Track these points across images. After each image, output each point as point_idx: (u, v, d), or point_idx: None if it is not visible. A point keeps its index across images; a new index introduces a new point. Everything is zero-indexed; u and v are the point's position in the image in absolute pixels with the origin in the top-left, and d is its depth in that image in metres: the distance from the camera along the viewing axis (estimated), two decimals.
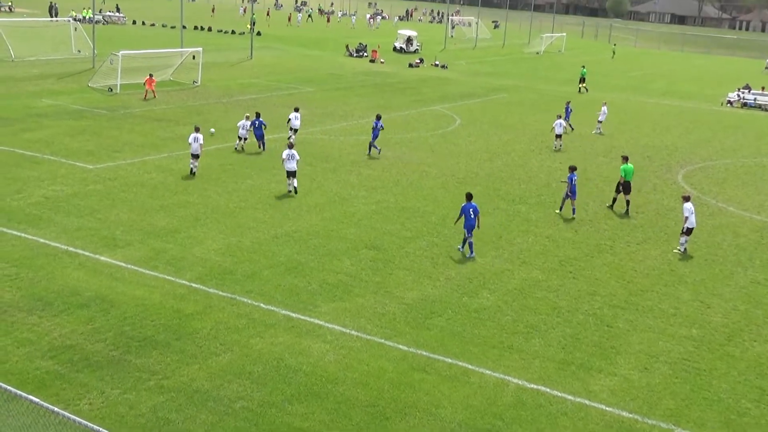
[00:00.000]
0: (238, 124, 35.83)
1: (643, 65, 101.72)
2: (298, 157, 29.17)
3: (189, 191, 28.63)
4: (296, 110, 37.84)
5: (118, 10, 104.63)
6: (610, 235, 27.22)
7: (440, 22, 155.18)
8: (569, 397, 16.28)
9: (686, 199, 25.89)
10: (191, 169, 30.98)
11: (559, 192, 31.62)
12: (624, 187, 29.92)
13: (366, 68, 72.46)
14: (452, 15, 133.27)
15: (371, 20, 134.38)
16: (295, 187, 29.25)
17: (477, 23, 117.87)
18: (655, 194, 33.22)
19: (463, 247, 24.35)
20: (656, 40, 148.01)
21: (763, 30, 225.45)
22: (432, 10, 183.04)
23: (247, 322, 18.49)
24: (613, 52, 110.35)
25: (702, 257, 25.65)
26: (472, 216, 23.72)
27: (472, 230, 23.87)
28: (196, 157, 30.75)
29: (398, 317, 19.42)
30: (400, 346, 17.88)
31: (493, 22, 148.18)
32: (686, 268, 24.52)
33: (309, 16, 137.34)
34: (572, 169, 28.93)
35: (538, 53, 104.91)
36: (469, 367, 17.19)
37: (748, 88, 70.95)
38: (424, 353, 17.65)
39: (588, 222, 28.59)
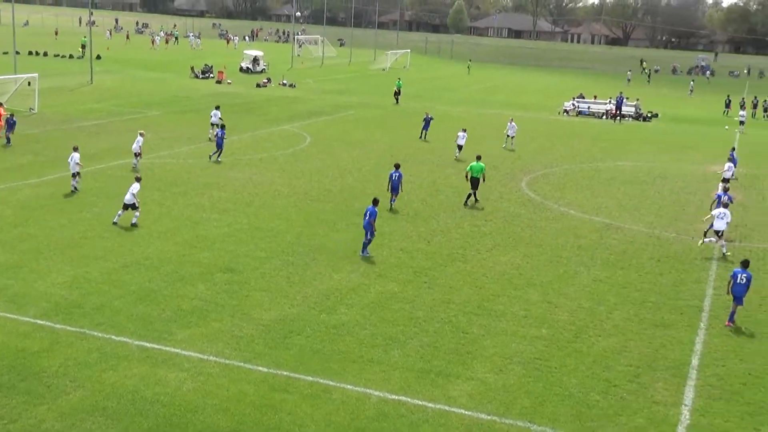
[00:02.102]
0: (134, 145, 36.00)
1: (484, 79, 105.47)
2: (134, 191, 27.51)
3: (29, 223, 27.26)
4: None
5: None
6: (462, 244, 27.96)
7: (286, 41, 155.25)
8: (430, 404, 16.55)
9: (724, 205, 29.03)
10: (72, 186, 31.71)
11: (410, 204, 32.34)
12: (471, 182, 33.14)
13: (213, 90, 71.51)
14: (298, 34, 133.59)
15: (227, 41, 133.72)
16: (133, 223, 27.69)
17: (323, 42, 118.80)
18: (501, 202, 34.40)
19: (364, 250, 25.93)
20: (495, 53, 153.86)
21: (592, 42, 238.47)
22: (277, 30, 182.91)
23: (98, 356, 17.75)
24: (468, 68, 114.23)
25: (547, 260, 26.75)
26: (367, 217, 25.59)
27: (367, 230, 25.77)
28: (74, 175, 31.62)
29: (257, 339, 19.19)
30: (260, 368, 17.66)
31: (338, 40, 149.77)
32: (533, 271, 25.51)
33: (175, 38, 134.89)
34: (396, 166, 32.04)
35: (384, 70, 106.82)
36: (331, 383, 17.18)
37: (581, 97, 74.86)
38: (285, 373, 17.50)
39: (440, 232, 29.25)
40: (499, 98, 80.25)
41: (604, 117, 68.11)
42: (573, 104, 70.58)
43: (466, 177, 33.38)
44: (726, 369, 18.96)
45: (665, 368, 18.81)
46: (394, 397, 16.76)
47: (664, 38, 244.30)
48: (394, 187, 31.62)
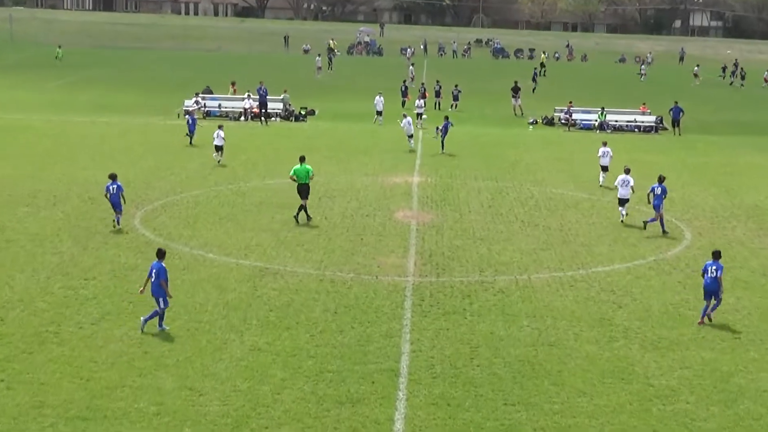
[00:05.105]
0: None
1: (68, 69, 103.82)
2: None
3: None
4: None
5: None
6: (53, 318, 27.06)
7: None
8: None
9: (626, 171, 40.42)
10: None
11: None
12: (299, 191, 38.97)
13: None
14: None
15: None
16: None
17: None
18: (108, 249, 33.85)
19: (144, 323, 26.47)
20: (79, 33, 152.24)
21: (216, 14, 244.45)
22: None
23: None
24: (58, 56, 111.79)
25: (183, 327, 26.73)
26: (153, 278, 26.61)
27: (157, 296, 26.56)
28: None
29: None
30: None
31: None
32: (163, 346, 25.36)
33: None
34: (112, 177, 36.53)
35: None
36: None
37: (209, 91, 76.56)
38: None
39: (18, 303, 28.09)
40: (87, 98, 79.34)
41: (243, 118, 69.86)
42: (197, 101, 71.46)
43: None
44: None
45: None
46: None
47: (312, 6, 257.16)
48: (115, 204, 36.32)
